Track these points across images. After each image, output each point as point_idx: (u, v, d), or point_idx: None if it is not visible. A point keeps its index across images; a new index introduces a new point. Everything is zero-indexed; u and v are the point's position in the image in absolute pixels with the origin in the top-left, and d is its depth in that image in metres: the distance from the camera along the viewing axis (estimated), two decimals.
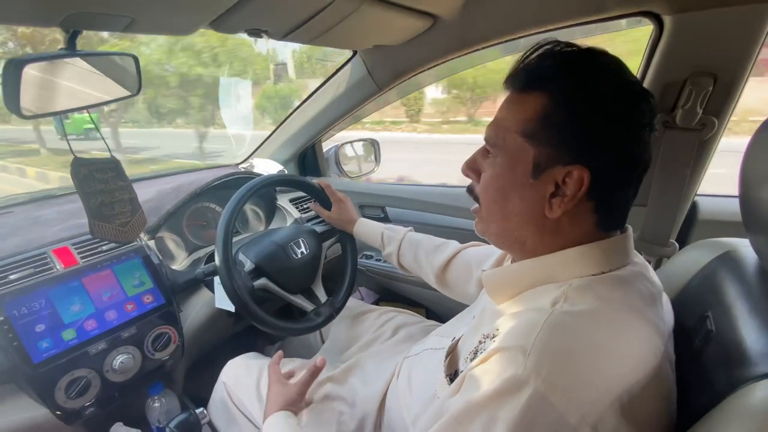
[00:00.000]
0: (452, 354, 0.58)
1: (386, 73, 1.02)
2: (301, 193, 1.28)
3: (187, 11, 0.53)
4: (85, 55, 0.60)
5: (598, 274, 0.46)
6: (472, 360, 0.49)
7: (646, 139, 0.45)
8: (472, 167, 0.54)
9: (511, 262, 0.59)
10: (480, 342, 0.49)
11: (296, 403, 0.74)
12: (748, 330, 0.45)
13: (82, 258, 0.84)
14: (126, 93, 0.68)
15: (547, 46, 0.47)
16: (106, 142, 0.64)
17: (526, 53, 0.48)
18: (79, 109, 0.63)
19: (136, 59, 0.67)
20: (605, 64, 0.46)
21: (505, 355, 0.41)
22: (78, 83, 0.62)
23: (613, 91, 0.44)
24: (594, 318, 0.42)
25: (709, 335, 0.50)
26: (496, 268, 0.55)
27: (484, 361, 0.43)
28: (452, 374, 0.55)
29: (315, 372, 0.77)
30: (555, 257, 0.48)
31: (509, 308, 0.50)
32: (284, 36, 0.67)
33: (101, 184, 0.62)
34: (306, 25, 0.65)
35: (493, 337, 0.46)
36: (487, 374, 0.42)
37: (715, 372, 0.46)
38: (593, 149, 0.44)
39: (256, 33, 0.64)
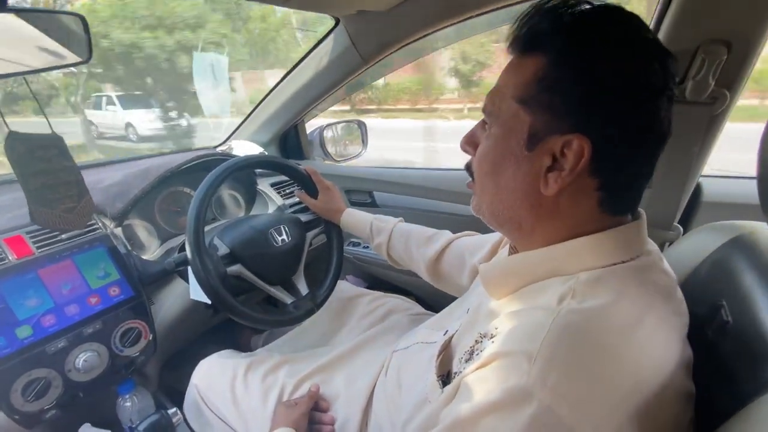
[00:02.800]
0: (445, 352, 0.53)
1: (372, 43, 0.94)
2: (284, 178, 1.21)
3: None
4: (19, 12, 0.52)
5: (609, 266, 0.41)
6: (467, 361, 0.44)
7: (661, 107, 0.39)
8: (470, 141, 0.49)
9: (508, 252, 0.54)
10: (476, 342, 0.44)
11: (299, 423, 0.69)
12: None
13: (38, 248, 0.76)
14: (74, 59, 0.60)
15: (550, 3, 0.41)
16: (47, 117, 0.56)
17: (526, 12, 0.42)
18: (16, 75, 0.55)
19: (83, 20, 0.59)
20: (615, 20, 0.40)
21: (506, 362, 0.36)
22: (12, 45, 0.54)
23: (621, 49, 0.38)
24: (606, 317, 0.37)
25: (725, 327, 0.46)
26: (495, 261, 0.50)
27: (482, 366, 0.38)
28: (444, 375, 0.50)
29: (313, 396, 0.74)
30: (561, 248, 0.43)
31: (509, 305, 0.45)
32: None
33: (43, 163, 0.54)
34: None
35: (491, 338, 0.41)
36: (486, 382, 0.37)
37: (737, 369, 0.42)
38: (595, 116, 0.39)
39: None
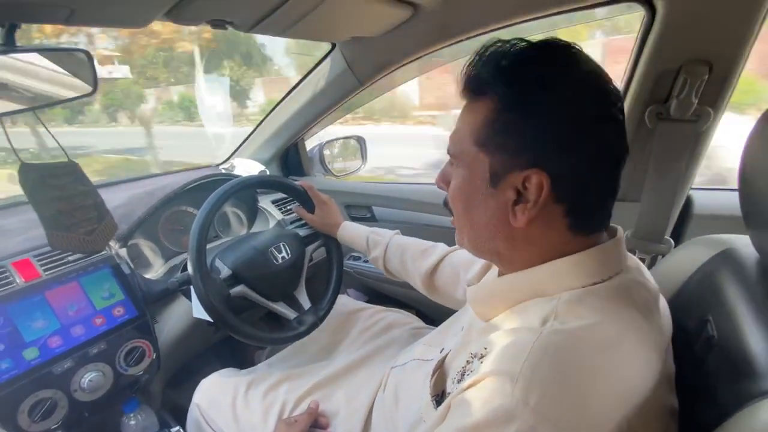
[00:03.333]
0: (439, 372, 0.54)
1: (367, 66, 0.97)
2: (283, 195, 1.23)
3: (136, 1, 0.47)
4: (27, 51, 0.54)
5: (589, 286, 0.43)
6: (459, 381, 0.46)
7: (608, 131, 0.42)
8: (443, 179, 0.52)
9: (498, 271, 0.55)
10: (468, 362, 0.46)
11: None
12: (752, 338, 0.42)
13: (45, 270, 0.79)
14: (80, 92, 0.63)
15: (491, 48, 0.43)
16: (59, 144, 0.58)
17: (471, 59, 0.45)
18: (25, 111, 0.58)
19: (88, 55, 0.62)
20: (549, 57, 0.42)
21: (491, 383, 0.37)
22: (22, 82, 0.56)
23: (558, 86, 0.40)
24: (586, 336, 0.39)
25: (711, 341, 0.47)
26: (481, 284, 0.52)
27: (472, 386, 0.39)
28: (438, 395, 0.51)
29: (313, 413, 0.75)
30: (542, 269, 0.45)
31: (497, 326, 0.46)
32: (251, 27, 0.62)
33: (56, 190, 0.57)
34: (274, 14, 0.59)
35: (481, 357, 0.42)
36: (474, 402, 0.38)
37: (720, 383, 0.43)
38: (546, 151, 0.41)
39: (219, 24, 0.59)
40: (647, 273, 0.50)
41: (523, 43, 0.42)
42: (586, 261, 0.43)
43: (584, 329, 0.39)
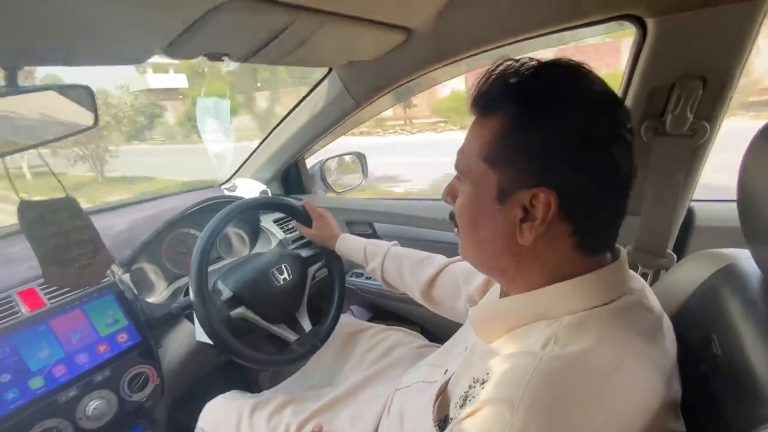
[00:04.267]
0: (442, 396, 0.54)
1: (363, 88, 0.98)
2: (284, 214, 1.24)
3: (132, 39, 0.49)
4: (30, 91, 0.56)
5: (591, 309, 0.42)
6: (461, 407, 0.45)
7: (617, 153, 0.41)
8: (450, 194, 0.52)
9: (500, 291, 0.55)
10: (470, 387, 0.46)
11: None
12: (757, 358, 0.41)
13: (49, 299, 0.80)
14: (82, 126, 0.64)
15: (501, 66, 0.44)
16: (58, 178, 0.60)
17: (480, 78, 0.46)
18: (31, 148, 0.59)
19: (89, 90, 0.63)
20: (561, 76, 0.43)
21: (491, 410, 0.37)
22: (27, 120, 0.58)
23: (568, 105, 0.41)
24: (587, 362, 0.38)
25: (716, 360, 0.46)
26: (483, 304, 0.52)
27: (472, 414, 0.39)
28: (441, 421, 0.51)
29: None
30: (544, 292, 0.45)
31: (500, 348, 0.46)
32: (247, 58, 0.63)
33: (55, 226, 0.58)
34: (269, 46, 0.61)
35: (483, 383, 0.42)
36: (474, 429, 0.38)
37: (727, 406, 0.43)
38: (555, 170, 0.41)
39: (216, 57, 0.60)
40: (651, 294, 0.49)
41: (533, 62, 0.43)
42: (589, 284, 0.43)
43: (583, 354, 0.39)
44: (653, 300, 0.49)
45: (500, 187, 0.44)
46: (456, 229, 0.52)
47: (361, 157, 1.53)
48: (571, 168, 0.41)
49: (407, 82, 0.94)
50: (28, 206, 0.54)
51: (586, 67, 0.43)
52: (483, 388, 0.41)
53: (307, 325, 0.95)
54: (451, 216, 0.53)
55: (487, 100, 0.45)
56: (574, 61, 0.44)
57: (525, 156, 0.42)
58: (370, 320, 1.37)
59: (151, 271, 1.07)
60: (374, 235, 1.30)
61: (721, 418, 0.43)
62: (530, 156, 0.42)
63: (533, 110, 0.42)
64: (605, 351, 0.39)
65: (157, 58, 0.61)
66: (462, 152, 0.48)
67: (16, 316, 0.75)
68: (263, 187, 1.34)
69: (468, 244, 0.50)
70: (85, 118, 0.64)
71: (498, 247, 0.46)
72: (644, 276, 0.83)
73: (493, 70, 0.45)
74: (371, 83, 0.96)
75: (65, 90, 0.62)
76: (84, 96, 0.63)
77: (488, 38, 0.77)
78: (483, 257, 0.49)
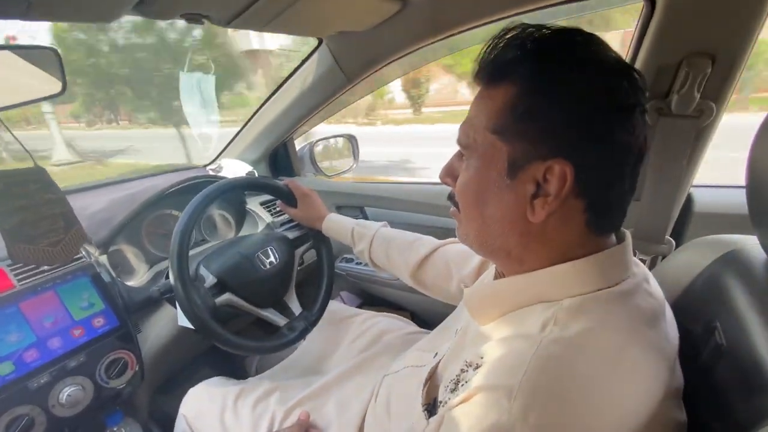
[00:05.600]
0: (431, 379, 0.51)
1: (355, 62, 0.93)
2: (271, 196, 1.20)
3: None
4: None
5: (593, 292, 0.40)
6: (452, 391, 0.43)
7: (635, 122, 0.39)
8: (449, 173, 0.49)
9: (495, 272, 0.52)
10: (462, 370, 0.43)
11: None
12: (764, 347, 0.39)
13: (19, 280, 0.75)
14: (49, 92, 0.59)
15: (513, 31, 0.41)
16: (24, 146, 0.54)
17: (490, 42, 0.42)
18: None
19: (56, 53, 0.58)
20: (577, 42, 0.40)
21: (487, 397, 0.35)
22: None
23: (589, 71, 0.38)
24: (588, 345, 0.36)
25: (720, 349, 0.44)
26: (479, 285, 0.49)
27: (466, 400, 0.37)
28: (430, 404, 0.49)
29: (303, 424, 0.72)
30: (544, 273, 0.42)
31: (494, 331, 0.44)
32: (229, 22, 0.58)
33: (21, 199, 0.53)
34: (254, 6, 0.56)
35: (476, 367, 0.40)
36: (467, 418, 0.36)
37: (732, 397, 0.41)
38: (572, 139, 0.38)
39: (194, 18, 0.55)
40: (653, 280, 0.47)
41: (548, 30, 0.40)
42: (592, 266, 0.41)
43: (585, 337, 0.37)
44: (655, 285, 0.47)
45: (511, 161, 0.41)
46: (454, 210, 0.49)
47: (352, 140, 1.48)
48: (589, 137, 0.38)
49: (399, 57, 0.89)
50: None
51: (598, 36, 0.41)
52: (476, 372, 0.39)
53: (296, 308, 0.91)
54: (450, 197, 0.50)
55: (498, 66, 0.41)
56: (587, 32, 0.41)
57: (540, 125, 0.39)
58: (359, 306, 1.34)
59: (131, 254, 1.02)
60: (365, 219, 1.27)
61: (726, 409, 0.41)
62: (545, 125, 0.39)
63: (551, 75, 0.39)
64: (608, 335, 0.37)
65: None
66: (466, 126, 0.45)
67: None
68: (250, 168, 1.30)
69: (470, 224, 0.47)
70: (52, 83, 0.59)
71: (505, 227, 0.43)
72: (642, 262, 0.81)
73: (503, 35, 0.41)
74: (363, 57, 0.91)
75: (29, 52, 0.57)
76: (50, 59, 0.58)
77: (486, 11, 0.73)
78: (487, 238, 0.46)
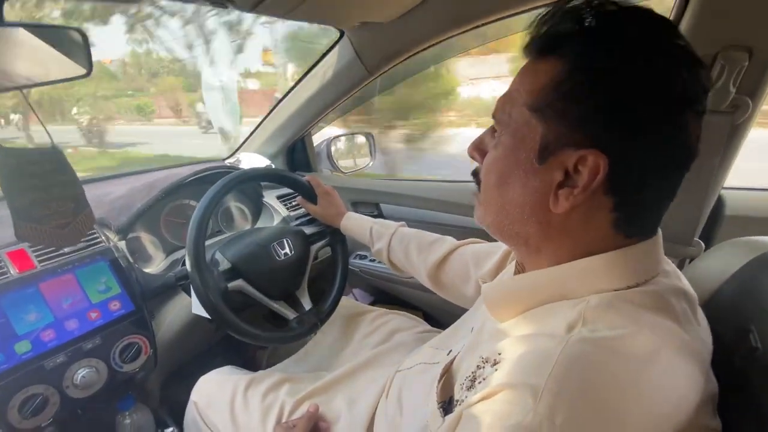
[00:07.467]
0: (446, 376, 0.49)
1: (376, 55, 0.92)
2: (289, 190, 1.20)
3: None
4: (17, 26, 0.51)
5: (622, 290, 0.38)
6: (469, 388, 0.41)
7: (690, 120, 0.36)
8: (477, 148, 0.47)
9: (515, 270, 0.50)
10: (478, 367, 0.41)
11: None
12: None
13: (40, 262, 0.76)
14: (75, 73, 0.60)
15: (572, 4, 0.38)
16: (44, 125, 0.55)
17: (545, 13, 0.39)
18: (13, 89, 0.55)
19: (83, 34, 0.59)
20: (641, 23, 0.36)
21: (510, 395, 0.33)
22: (12, 59, 0.53)
23: (647, 55, 0.35)
24: (620, 348, 0.34)
25: (755, 353, 0.42)
26: (499, 280, 0.47)
27: (486, 398, 0.35)
28: (445, 402, 0.47)
29: (312, 416, 0.70)
30: (570, 268, 0.40)
31: (514, 329, 0.42)
32: (253, 7, 0.58)
33: (35, 179, 0.53)
34: None
35: (494, 364, 0.38)
36: (488, 416, 0.33)
37: (767, 402, 0.38)
38: (615, 129, 0.35)
39: (219, 3, 0.55)
40: (684, 279, 0.45)
41: (614, 6, 0.37)
42: (621, 261, 0.38)
43: (617, 339, 0.34)
44: (687, 285, 0.44)
45: (544, 143, 0.38)
46: (476, 189, 0.47)
47: (369, 138, 1.48)
48: (633, 130, 0.35)
49: (421, 50, 0.88)
50: (8, 153, 0.49)
51: (669, 20, 0.37)
52: (496, 370, 0.37)
53: (307, 303, 0.91)
54: (475, 173, 0.47)
55: (550, 37, 0.38)
56: (653, 11, 0.37)
57: (581, 108, 0.36)
58: (371, 304, 1.33)
59: (149, 242, 1.03)
60: (380, 216, 1.26)
61: (762, 416, 0.38)
62: (587, 109, 0.36)
63: (605, 54, 0.35)
64: (641, 337, 0.35)
65: None
66: (505, 99, 0.42)
67: (4, 276, 0.72)
68: (267, 162, 1.30)
69: (489, 205, 0.45)
70: (78, 64, 0.60)
71: (525, 213, 0.41)
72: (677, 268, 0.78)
73: (562, 7, 0.38)
74: (385, 49, 0.91)
75: (56, 31, 0.58)
76: (78, 41, 0.59)
77: (513, 1, 0.71)
78: (505, 222, 0.43)
